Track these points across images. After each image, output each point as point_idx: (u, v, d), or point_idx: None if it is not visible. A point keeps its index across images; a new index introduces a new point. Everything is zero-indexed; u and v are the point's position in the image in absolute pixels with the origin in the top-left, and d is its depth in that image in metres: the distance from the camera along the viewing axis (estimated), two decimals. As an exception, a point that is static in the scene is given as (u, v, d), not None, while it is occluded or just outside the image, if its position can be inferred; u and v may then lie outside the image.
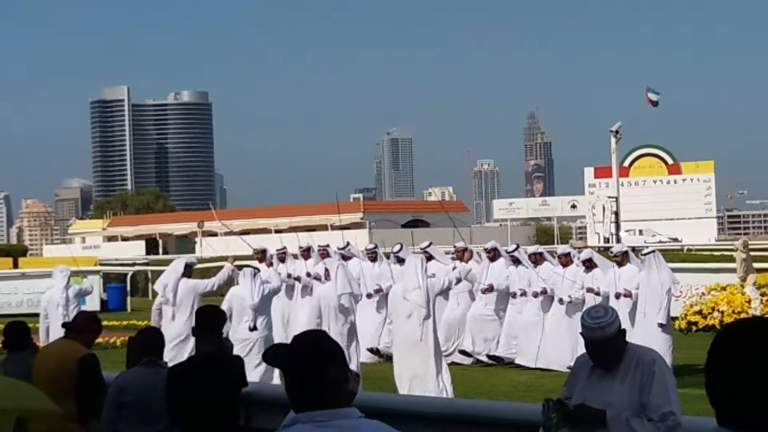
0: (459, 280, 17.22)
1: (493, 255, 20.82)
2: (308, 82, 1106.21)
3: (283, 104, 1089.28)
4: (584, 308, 18.82)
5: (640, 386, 6.64)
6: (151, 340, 9.01)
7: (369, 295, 21.41)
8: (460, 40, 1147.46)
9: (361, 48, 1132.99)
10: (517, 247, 21.21)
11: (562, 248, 21.35)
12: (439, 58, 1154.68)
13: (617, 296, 18.55)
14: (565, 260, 19.82)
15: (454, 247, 21.69)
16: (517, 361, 19.91)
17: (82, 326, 9.51)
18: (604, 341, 6.65)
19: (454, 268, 20.78)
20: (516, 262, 20.51)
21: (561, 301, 19.40)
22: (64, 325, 9.96)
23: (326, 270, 17.71)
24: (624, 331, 6.86)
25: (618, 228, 70.01)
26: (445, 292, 16.94)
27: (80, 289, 21.22)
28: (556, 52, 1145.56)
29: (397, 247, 21.92)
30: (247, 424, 8.85)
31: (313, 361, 4.06)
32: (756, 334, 2.89)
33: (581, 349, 18.71)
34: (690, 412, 12.82)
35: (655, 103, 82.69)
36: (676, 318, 18.06)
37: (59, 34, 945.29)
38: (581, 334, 6.78)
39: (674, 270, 20.29)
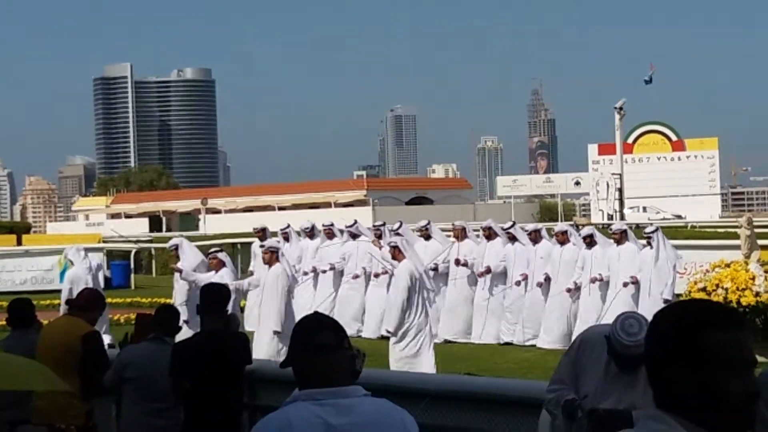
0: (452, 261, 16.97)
1: (489, 234, 20.72)
2: (311, 59, 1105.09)
3: (286, 81, 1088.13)
4: (581, 292, 18.94)
5: None
6: (160, 316, 9.02)
7: (377, 275, 21.36)
8: (464, 18, 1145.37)
9: (365, 25, 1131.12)
10: (513, 224, 21.11)
11: (559, 226, 21.31)
12: (443, 34, 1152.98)
13: (625, 285, 18.56)
14: (563, 238, 19.78)
15: (453, 225, 21.68)
16: (539, 345, 19.79)
17: (86, 303, 9.51)
18: (640, 356, 6.31)
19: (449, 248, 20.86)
20: (512, 239, 20.43)
21: (568, 290, 19.35)
22: (67, 302, 9.98)
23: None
24: None
25: (622, 205, 69.94)
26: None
27: (98, 264, 21.31)
28: (560, 29, 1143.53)
29: (397, 224, 21.93)
30: (250, 401, 8.85)
31: (319, 338, 4.10)
32: (682, 311, 2.94)
33: (577, 328, 18.64)
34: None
35: (648, 81, 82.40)
36: (680, 295, 18.07)
37: (62, 12, 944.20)
38: (612, 346, 6.38)
39: (678, 247, 20.30)
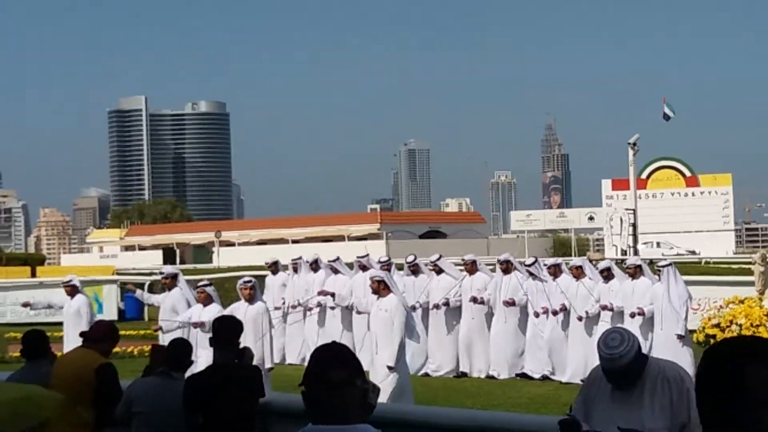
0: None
1: (506, 267, 20.68)
2: (326, 93, 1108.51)
3: (300, 115, 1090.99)
4: (599, 324, 18.90)
5: (670, 405, 6.30)
6: (171, 350, 9.03)
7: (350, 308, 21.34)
8: (479, 52, 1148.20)
9: (379, 59, 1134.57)
10: (536, 260, 21.03)
11: (574, 261, 21.26)
12: (458, 69, 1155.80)
13: (632, 315, 18.51)
14: (578, 273, 19.72)
15: (462, 260, 21.65)
16: (556, 378, 19.73)
17: (100, 335, 9.53)
18: (623, 369, 6.32)
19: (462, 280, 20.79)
20: (532, 275, 20.36)
21: (579, 318, 19.31)
22: (81, 334, 9.98)
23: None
24: (641, 348, 6.47)
25: (635, 240, 69.87)
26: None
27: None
28: (573, 64, 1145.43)
29: (410, 258, 21.88)
30: (264, 434, 8.85)
31: (333, 373, 4.05)
32: (716, 349, 2.96)
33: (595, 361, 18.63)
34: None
35: (667, 118, 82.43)
36: (694, 331, 18.01)
37: (77, 44, 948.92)
38: (601, 364, 6.43)
39: (692, 283, 20.25)
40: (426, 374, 21.00)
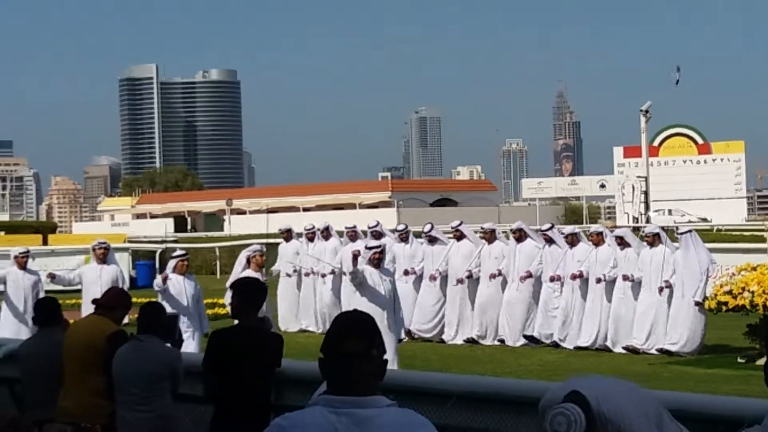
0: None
1: (519, 236, 20.73)
2: (336, 61, 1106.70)
3: (311, 83, 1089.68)
4: (614, 291, 18.86)
5: None
6: (139, 314, 9.03)
7: (405, 272, 21.46)
8: (489, 19, 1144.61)
9: (390, 26, 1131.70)
10: (552, 226, 21.07)
11: (594, 227, 21.28)
12: (468, 36, 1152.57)
13: (660, 290, 18.53)
14: (597, 239, 19.76)
15: (482, 228, 21.69)
16: (566, 345, 19.75)
17: (113, 302, 9.55)
18: None
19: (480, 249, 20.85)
20: (549, 241, 20.40)
21: (598, 280, 19.36)
22: (94, 301, 9.99)
23: None
24: (590, 416, 6.16)
25: (647, 208, 69.78)
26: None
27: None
28: (585, 31, 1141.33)
29: (428, 227, 21.92)
30: (277, 401, 8.86)
31: (350, 343, 4.03)
32: None
33: (614, 328, 18.69)
34: (719, 392, 12.81)
35: (677, 82, 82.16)
36: (707, 298, 18.01)
37: (88, 12, 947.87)
38: None
39: (704, 250, 20.19)
40: (441, 340, 21.05)
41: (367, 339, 4.07)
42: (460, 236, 21.37)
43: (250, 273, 16.50)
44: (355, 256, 15.38)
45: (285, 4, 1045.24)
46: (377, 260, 15.41)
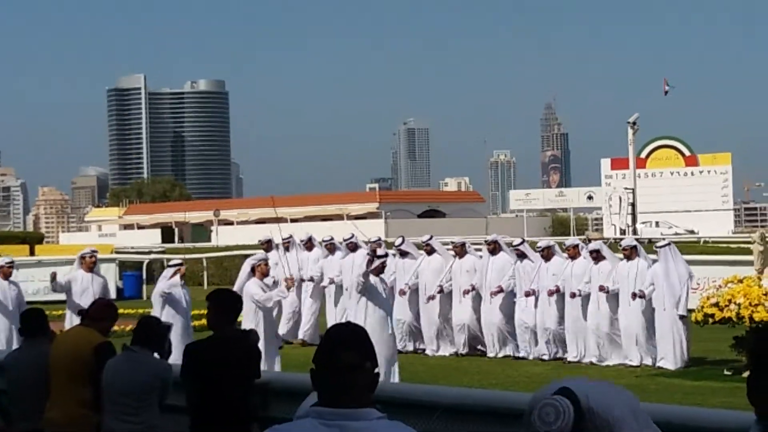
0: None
1: (494, 248, 20.70)
2: (325, 72, 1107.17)
3: (299, 93, 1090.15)
4: (590, 304, 18.87)
5: None
6: (136, 326, 9.07)
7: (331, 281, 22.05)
8: (478, 31, 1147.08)
9: (378, 37, 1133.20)
10: (523, 241, 21.05)
11: (570, 240, 21.31)
12: (456, 47, 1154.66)
13: (633, 296, 18.52)
14: (574, 252, 19.79)
15: (452, 242, 21.80)
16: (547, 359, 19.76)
17: (99, 314, 9.53)
18: None
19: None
20: (521, 256, 20.39)
21: (572, 295, 19.35)
22: (80, 312, 9.99)
23: None
24: (579, 409, 6.16)
25: (634, 219, 69.98)
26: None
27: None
28: (572, 43, 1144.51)
29: (399, 240, 21.97)
30: (263, 413, 8.86)
31: (344, 355, 4.02)
32: None
33: (591, 340, 18.63)
34: (706, 405, 12.83)
35: (666, 92, 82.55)
36: (693, 310, 18.04)
37: (76, 23, 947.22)
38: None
39: (691, 262, 20.25)
40: (424, 352, 21.04)
41: (361, 351, 4.05)
42: (430, 250, 21.35)
43: (255, 282, 16.58)
44: (371, 260, 15.76)
45: (273, 15, 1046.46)
46: (382, 269, 16.11)
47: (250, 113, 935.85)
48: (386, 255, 16.34)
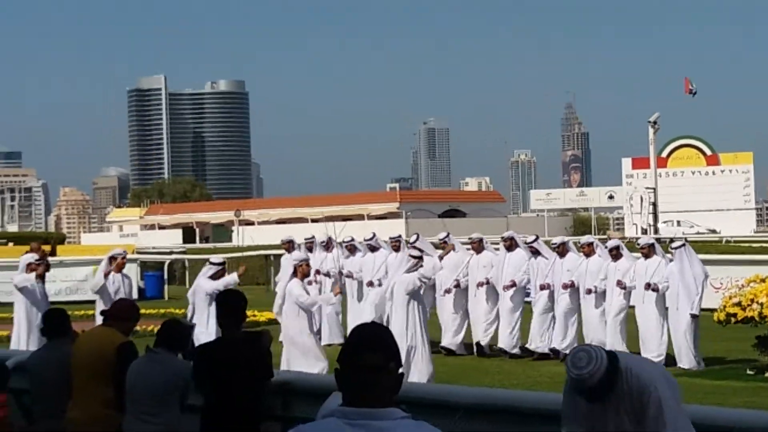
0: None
1: (510, 244, 20.80)
2: (345, 72, 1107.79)
3: (319, 93, 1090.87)
4: (606, 300, 18.93)
5: (636, 414, 6.23)
6: (160, 329, 9.13)
7: (370, 284, 21.88)
8: (498, 30, 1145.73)
9: (398, 37, 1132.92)
10: (537, 238, 21.15)
11: (585, 238, 21.32)
12: (477, 47, 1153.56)
13: (647, 287, 18.48)
14: (588, 250, 19.82)
15: (469, 238, 21.82)
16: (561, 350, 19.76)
17: (122, 313, 9.56)
18: (593, 387, 6.20)
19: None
20: (535, 253, 20.47)
21: (588, 291, 19.37)
22: (102, 312, 10.02)
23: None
24: (612, 360, 6.27)
25: (656, 219, 69.72)
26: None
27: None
28: (593, 42, 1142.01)
29: (413, 237, 22.05)
30: (284, 413, 8.87)
31: (367, 355, 4.04)
32: None
33: (606, 336, 18.68)
34: (727, 404, 12.79)
35: (693, 93, 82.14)
36: (715, 310, 17.97)
37: (97, 23, 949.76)
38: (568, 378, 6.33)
39: (713, 262, 20.25)
40: (449, 351, 20.99)
41: (386, 352, 4.08)
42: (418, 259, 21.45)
43: (297, 283, 16.63)
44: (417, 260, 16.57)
45: (293, 15, 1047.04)
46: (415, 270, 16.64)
47: (270, 113, 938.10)
48: (422, 257, 16.73)
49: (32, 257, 20.31)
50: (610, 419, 6.24)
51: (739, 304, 17.16)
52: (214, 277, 18.33)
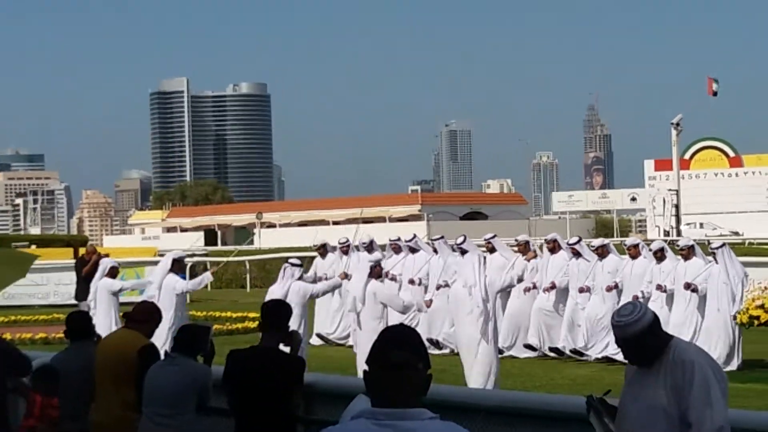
0: (521, 279, 17.39)
1: (553, 247, 20.72)
2: (366, 74, 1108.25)
3: (341, 96, 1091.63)
4: (648, 304, 18.81)
5: (677, 388, 6.29)
6: (178, 334, 9.21)
7: (411, 281, 21.58)
8: (519, 32, 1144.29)
9: (420, 39, 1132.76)
10: (579, 239, 21.03)
11: (630, 240, 21.21)
12: (499, 49, 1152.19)
13: (686, 286, 18.37)
14: (635, 252, 19.66)
15: (516, 240, 21.68)
16: (590, 353, 19.66)
17: (143, 316, 9.58)
18: (633, 337, 6.36)
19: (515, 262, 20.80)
20: (576, 254, 20.33)
21: (635, 297, 19.21)
22: (124, 315, 10.05)
23: None
24: (658, 324, 6.47)
25: (678, 221, 69.58)
26: (504, 290, 16.95)
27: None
28: (615, 44, 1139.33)
29: (461, 239, 21.94)
30: (307, 415, 8.87)
31: (395, 355, 4.06)
32: None
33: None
34: (750, 407, 12.72)
35: (715, 93, 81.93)
36: (738, 312, 17.91)
37: (119, 27, 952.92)
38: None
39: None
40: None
41: (414, 352, 4.09)
42: (491, 249, 21.38)
43: (378, 283, 16.61)
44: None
45: (315, 18, 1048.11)
46: None
47: (292, 116, 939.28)
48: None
49: (112, 261, 20.89)
50: (652, 388, 6.34)
51: (762, 306, 17.09)
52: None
